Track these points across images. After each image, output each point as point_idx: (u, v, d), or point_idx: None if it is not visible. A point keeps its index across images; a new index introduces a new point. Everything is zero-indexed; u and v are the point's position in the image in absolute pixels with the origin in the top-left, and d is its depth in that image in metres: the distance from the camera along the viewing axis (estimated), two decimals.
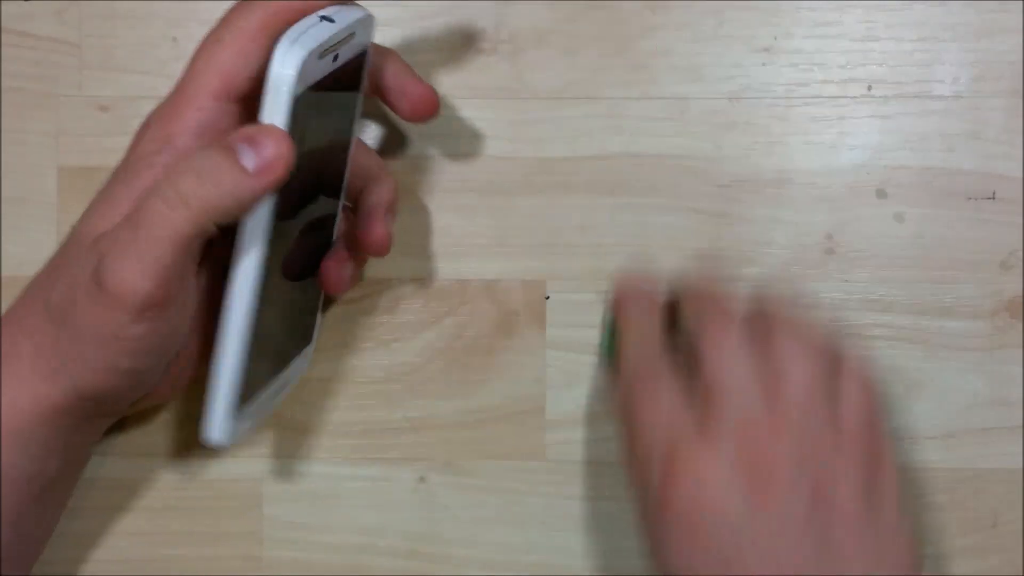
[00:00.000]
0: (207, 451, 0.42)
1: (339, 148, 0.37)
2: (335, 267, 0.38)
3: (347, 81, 0.35)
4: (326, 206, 0.37)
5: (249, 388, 0.35)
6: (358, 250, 0.39)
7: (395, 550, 0.42)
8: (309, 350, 0.40)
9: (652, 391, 0.35)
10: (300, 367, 0.40)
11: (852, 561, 0.33)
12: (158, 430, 0.42)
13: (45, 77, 0.42)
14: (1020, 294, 0.40)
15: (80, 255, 0.33)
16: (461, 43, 0.41)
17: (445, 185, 0.41)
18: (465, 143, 0.40)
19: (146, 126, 0.35)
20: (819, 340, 0.36)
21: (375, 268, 0.41)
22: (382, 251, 0.38)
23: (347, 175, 0.37)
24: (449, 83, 0.41)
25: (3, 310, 0.42)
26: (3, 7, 0.42)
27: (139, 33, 0.42)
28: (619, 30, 0.41)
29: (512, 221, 0.41)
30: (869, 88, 0.41)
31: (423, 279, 0.42)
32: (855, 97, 0.41)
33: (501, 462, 0.42)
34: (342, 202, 0.38)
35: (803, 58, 0.41)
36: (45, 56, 0.42)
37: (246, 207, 0.32)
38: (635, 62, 0.41)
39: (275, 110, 0.32)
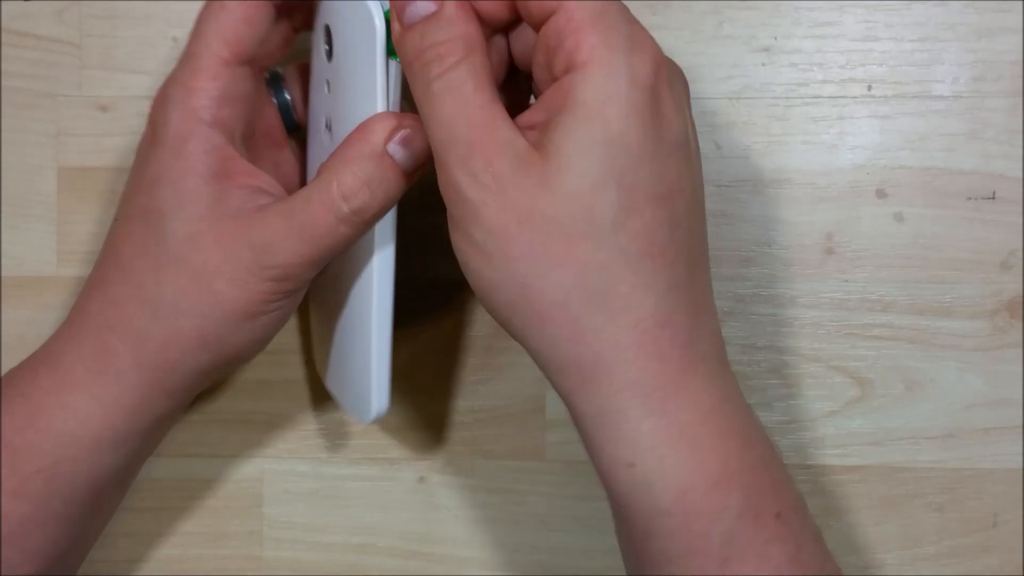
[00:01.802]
0: (207, 451, 0.42)
1: None
2: None
3: None
4: None
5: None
6: None
7: (395, 550, 0.42)
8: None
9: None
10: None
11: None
12: None
13: (45, 77, 0.42)
14: (1020, 294, 0.40)
15: (194, 252, 0.33)
16: None
17: None
18: None
19: (164, 100, 0.34)
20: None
21: None
22: None
23: None
24: None
25: (2, 310, 0.42)
26: (3, 7, 0.42)
27: (139, 33, 0.42)
28: None
29: None
30: (869, 88, 0.41)
31: (423, 279, 0.42)
32: (855, 97, 0.41)
33: (501, 462, 0.42)
34: None
35: (803, 58, 0.41)
36: (45, 56, 0.42)
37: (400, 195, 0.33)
38: None
39: (396, 92, 0.32)
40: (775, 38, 0.41)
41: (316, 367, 0.41)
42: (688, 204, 0.31)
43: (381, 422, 0.42)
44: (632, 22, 0.30)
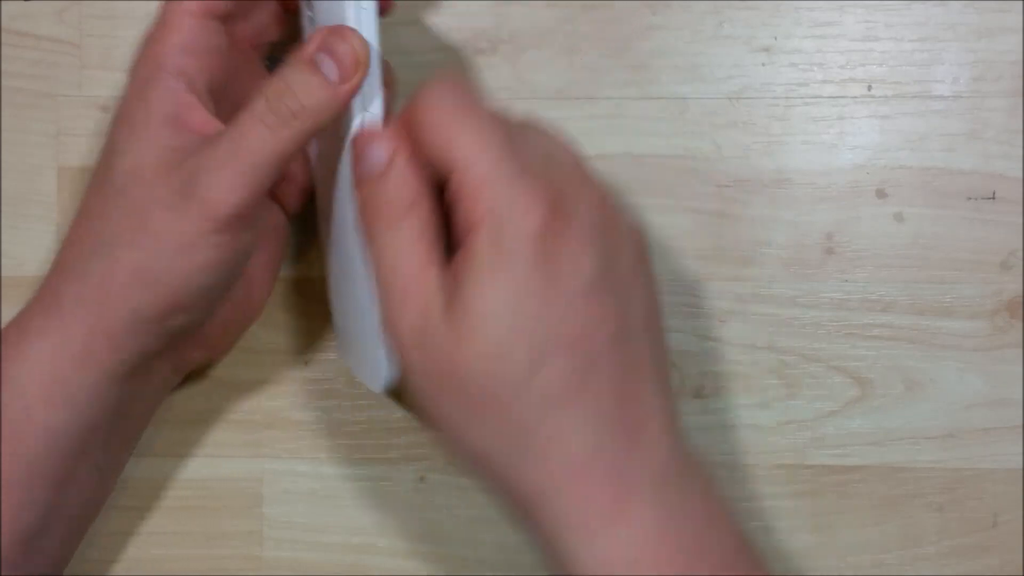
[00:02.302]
0: (207, 451, 0.42)
1: None
2: None
3: None
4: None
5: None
6: None
7: (395, 550, 0.42)
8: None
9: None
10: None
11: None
12: (158, 430, 0.42)
13: (45, 77, 0.42)
14: (1020, 294, 0.40)
15: (136, 184, 0.34)
16: (461, 43, 0.41)
17: None
18: None
19: (136, 54, 0.36)
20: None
21: None
22: None
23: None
24: None
25: (2, 310, 0.42)
26: (3, 7, 0.42)
27: (139, 33, 0.41)
28: (619, 30, 0.41)
29: None
30: (869, 88, 0.41)
31: None
32: (855, 97, 0.41)
33: None
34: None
35: (803, 58, 0.41)
36: (45, 56, 0.42)
37: (334, 116, 0.33)
38: (635, 62, 0.41)
39: (334, 9, 0.33)
40: (775, 38, 0.41)
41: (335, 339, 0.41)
42: (611, 335, 0.31)
43: (381, 421, 0.42)
44: (522, 173, 0.31)
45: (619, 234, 0.33)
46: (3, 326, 0.36)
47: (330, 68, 0.33)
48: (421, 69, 0.41)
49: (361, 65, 0.33)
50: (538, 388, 0.30)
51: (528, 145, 0.32)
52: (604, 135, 0.41)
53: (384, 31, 0.41)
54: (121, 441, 0.38)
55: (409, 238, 0.32)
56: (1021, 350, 0.40)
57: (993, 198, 0.40)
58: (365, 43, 0.33)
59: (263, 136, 0.32)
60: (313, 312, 0.42)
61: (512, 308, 0.30)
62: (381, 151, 0.33)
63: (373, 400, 0.42)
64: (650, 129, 0.41)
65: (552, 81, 0.41)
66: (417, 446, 0.42)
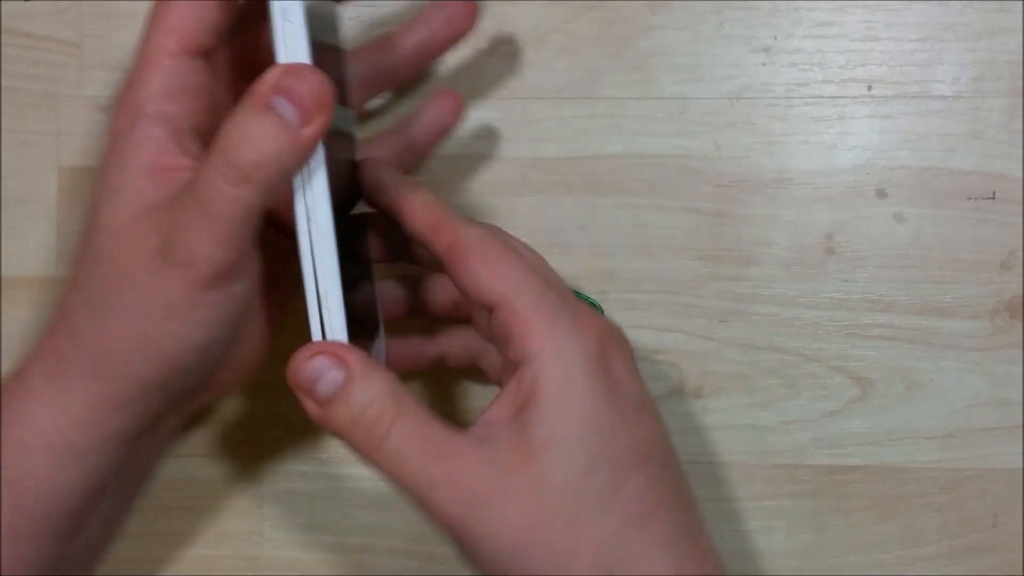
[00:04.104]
0: (207, 451, 0.42)
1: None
2: None
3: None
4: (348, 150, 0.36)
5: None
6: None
7: (395, 550, 0.42)
8: (381, 338, 0.37)
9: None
10: (379, 351, 0.37)
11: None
12: None
13: (45, 77, 0.42)
14: (1020, 294, 0.40)
15: (116, 245, 0.32)
16: (461, 43, 0.41)
17: (445, 185, 0.41)
18: (465, 143, 0.40)
19: (115, 100, 0.33)
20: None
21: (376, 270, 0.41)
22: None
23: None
24: (449, 83, 0.41)
25: (2, 310, 0.42)
26: (3, 7, 0.42)
27: (139, 33, 0.42)
28: (619, 30, 0.41)
29: (512, 221, 0.41)
30: (869, 88, 0.41)
31: None
32: (855, 97, 0.41)
33: None
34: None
35: (803, 58, 0.41)
36: (45, 56, 0.42)
37: (305, 159, 0.31)
38: (635, 62, 0.41)
39: (293, 45, 0.30)
40: (775, 38, 0.41)
41: None
42: (663, 456, 0.33)
43: None
44: (568, 300, 0.32)
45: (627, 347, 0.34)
46: (3, 377, 0.34)
47: (287, 110, 0.30)
48: None
49: (325, 105, 0.30)
50: (622, 505, 0.31)
51: (552, 273, 0.33)
52: (604, 135, 0.41)
53: (381, 31, 0.41)
54: (129, 491, 0.37)
55: (420, 426, 0.31)
56: (1021, 350, 0.40)
57: (993, 198, 0.40)
58: (325, 82, 0.30)
59: (225, 193, 0.30)
60: None
61: (590, 433, 0.31)
62: (335, 367, 0.31)
63: None
64: (650, 129, 0.41)
65: (552, 81, 0.41)
66: None
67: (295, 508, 0.42)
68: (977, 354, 0.41)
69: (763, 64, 0.41)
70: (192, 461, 0.42)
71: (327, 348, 0.31)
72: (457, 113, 0.39)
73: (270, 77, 0.30)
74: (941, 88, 0.41)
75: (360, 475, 0.42)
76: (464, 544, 0.31)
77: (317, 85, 0.30)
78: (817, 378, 0.41)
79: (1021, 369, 0.40)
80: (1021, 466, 0.40)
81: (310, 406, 0.32)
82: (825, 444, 0.41)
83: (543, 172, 0.41)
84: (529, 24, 0.41)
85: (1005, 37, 0.40)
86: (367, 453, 0.31)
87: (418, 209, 0.34)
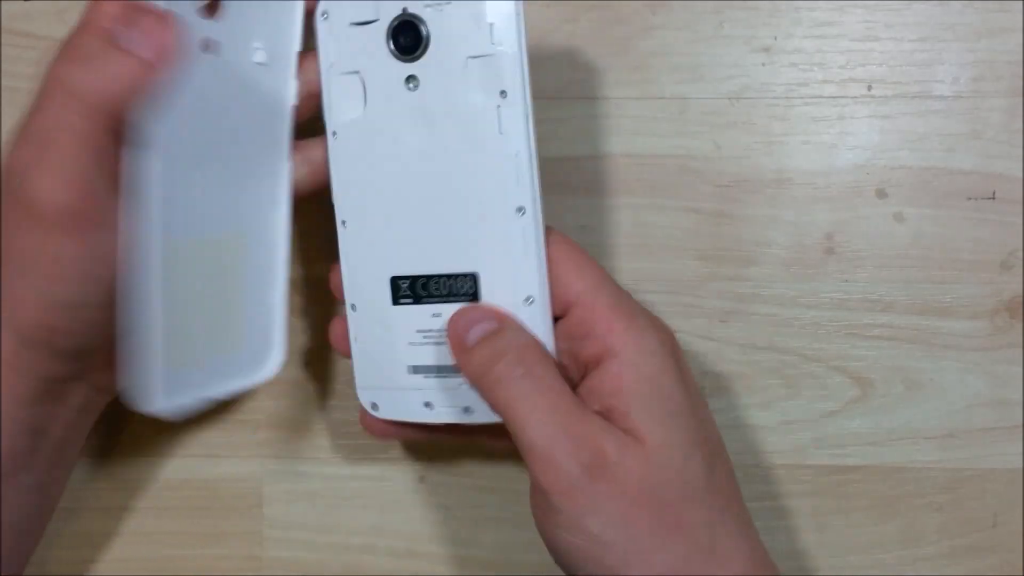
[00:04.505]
0: (207, 451, 0.42)
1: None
2: None
3: None
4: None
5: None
6: None
7: (395, 550, 0.42)
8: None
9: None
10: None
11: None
12: (158, 430, 0.42)
13: None
14: (1020, 294, 0.40)
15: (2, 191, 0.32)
16: None
17: None
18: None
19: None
20: None
21: None
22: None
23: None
24: None
25: None
26: (3, 7, 0.42)
27: None
28: (619, 30, 0.41)
29: None
30: (869, 88, 0.41)
31: None
32: (855, 97, 0.41)
33: (501, 462, 0.42)
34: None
35: (803, 58, 0.41)
36: (45, 56, 0.42)
37: (141, 97, 0.30)
38: (635, 62, 0.41)
39: None
40: (775, 38, 0.41)
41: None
42: (724, 445, 0.35)
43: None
44: (637, 303, 0.34)
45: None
46: None
47: (131, 41, 0.30)
48: None
49: (170, 49, 0.30)
50: (714, 492, 0.32)
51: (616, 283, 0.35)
52: (604, 135, 0.41)
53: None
54: (49, 462, 0.36)
55: (553, 381, 0.32)
56: (1021, 350, 0.40)
57: (993, 198, 0.40)
58: (179, 31, 0.30)
59: (58, 115, 0.30)
60: (313, 312, 0.42)
61: (683, 419, 0.32)
62: (491, 322, 0.33)
63: None
64: (650, 129, 0.41)
65: (552, 81, 0.41)
66: (417, 446, 0.42)
67: (295, 508, 0.42)
68: (977, 354, 0.41)
69: (763, 64, 0.41)
70: (192, 461, 0.42)
71: (490, 310, 0.34)
72: None
73: (113, 6, 0.30)
74: (941, 88, 0.41)
75: (360, 475, 0.42)
76: (568, 506, 0.31)
77: (166, 30, 0.30)
78: (817, 378, 0.41)
79: (1021, 369, 0.40)
80: (1021, 466, 0.40)
81: (456, 350, 0.33)
82: (825, 444, 0.41)
83: (543, 172, 0.41)
84: (529, 24, 0.41)
85: (1005, 37, 0.40)
86: (500, 400, 0.32)
87: None
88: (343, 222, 0.36)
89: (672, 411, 0.32)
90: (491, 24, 0.33)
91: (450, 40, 0.34)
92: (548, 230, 0.34)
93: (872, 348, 0.41)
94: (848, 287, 0.41)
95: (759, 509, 0.41)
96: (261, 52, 0.35)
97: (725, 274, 0.41)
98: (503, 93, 0.34)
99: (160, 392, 0.33)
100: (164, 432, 0.42)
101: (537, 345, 0.33)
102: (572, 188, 0.41)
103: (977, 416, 0.41)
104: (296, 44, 0.36)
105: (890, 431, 0.41)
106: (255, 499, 0.42)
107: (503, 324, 0.33)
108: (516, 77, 0.33)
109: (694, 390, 0.34)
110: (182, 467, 0.42)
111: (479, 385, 0.33)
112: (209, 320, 0.35)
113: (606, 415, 0.32)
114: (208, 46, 0.33)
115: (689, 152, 0.41)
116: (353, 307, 0.36)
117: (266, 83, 0.36)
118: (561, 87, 0.41)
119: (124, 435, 0.42)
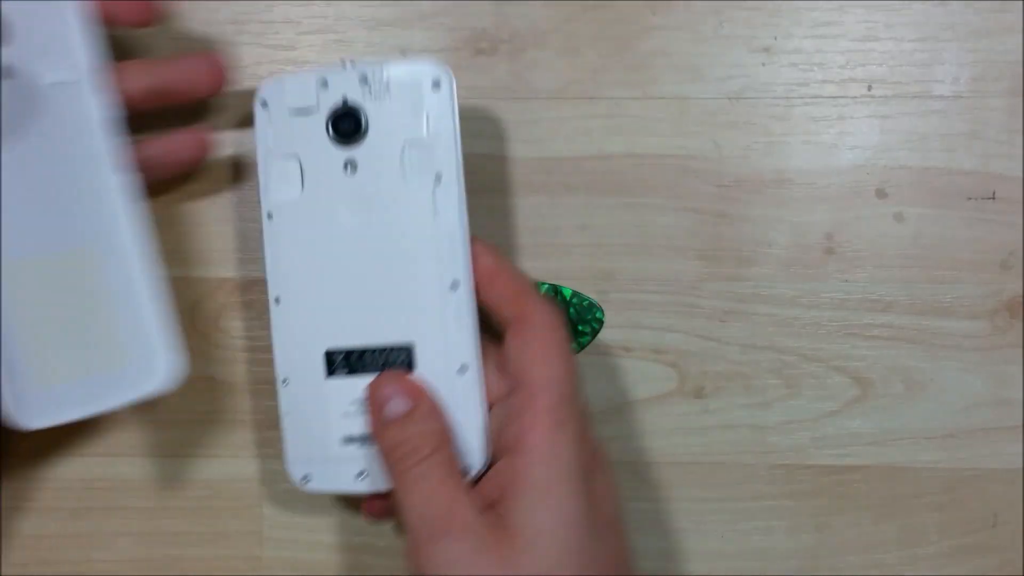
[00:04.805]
0: (207, 451, 0.42)
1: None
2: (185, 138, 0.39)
3: None
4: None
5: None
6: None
7: (395, 550, 0.42)
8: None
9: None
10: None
11: None
12: (158, 430, 0.42)
13: None
14: (1020, 294, 0.40)
15: None
16: (461, 43, 0.41)
17: None
18: (465, 143, 0.40)
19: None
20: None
21: None
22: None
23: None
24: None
25: None
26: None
27: (139, 33, 0.42)
28: (619, 30, 0.41)
29: (512, 221, 0.41)
30: (869, 88, 0.41)
31: None
32: (855, 97, 0.41)
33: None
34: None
35: (803, 58, 0.41)
36: None
37: None
38: (635, 62, 0.41)
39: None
40: (775, 38, 0.41)
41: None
42: (628, 563, 0.35)
43: None
44: (579, 415, 0.34)
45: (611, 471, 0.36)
46: None
47: None
48: None
49: None
50: None
51: (576, 386, 0.35)
52: (604, 135, 0.41)
53: (383, 31, 0.41)
54: None
55: (442, 471, 0.34)
56: (1021, 350, 0.40)
57: (993, 198, 0.40)
58: None
59: None
60: None
61: (563, 531, 0.33)
62: (406, 399, 0.35)
63: None
64: (650, 129, 0.41)
65: (552, 81, 0.41)
66: None
67: (295, 508, 0.42)
68: (977, 354, 0.41)
69: (763, 64, 0.41)
70: (191, 461, 0.42)
71: (409, 383, 0.36)
72: (201, 148, 0.39)
73: None
74: (941, 88, 0.41)
75: None
76: None
77: None
78: (817, 378, 0.41)
79: (1021, 369, 0.40)
80: (1021, 466, 0.40)
81: (373, 420, 0.36)
82: (825, 444, 0.41)
83: (543, 172, 0.41)
84: (529, 24, 0.41)
85: (1005, 37, 0.40)
86: (393, 476, 0.35)
87: (504, 276, 0.36)
88: (276, 299, 0.37)
89: (555, 522, 0.33)
90: (427, 113, 0.36)
91: (388, 127, 0.36)
92: (545, 306, 0.35)
93: (872, 348, 0.41)
94: (848, 287, 0.41)
95: (759, 509, 0.41)
96: (59, 71, 0.36)
97: (725, 274, 0.41)
98: (438, 177, 0.36)
99: (31, 409, 0.35)
100: (164, 432, 0.42)
101: (438, 434, 0.35)
102: (572, 188, 0.41)
103: (977, 416, 0.41)
104: (91, 59, 0.37)
105: (890, 431, 0.41)
106: (255, 499, 0.42)
107: (417, 404, 0.35)
108: (450, 162, 0.36)
109: (599, 510, 0.34)
110: (182, 467, 0.42)
111: (383, 459, 0.35)
112: (75, 336, 0.36)
113: (500, 509, 0.33)
114: (5, 72, 0.35)
115: (689, 152, 0.41)
116: (285, 382, 0.38)
117: (70, 101, 0.37)
118: (561, 87, 0.41)
119: (123, 435, 0.42)
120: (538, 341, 0.35)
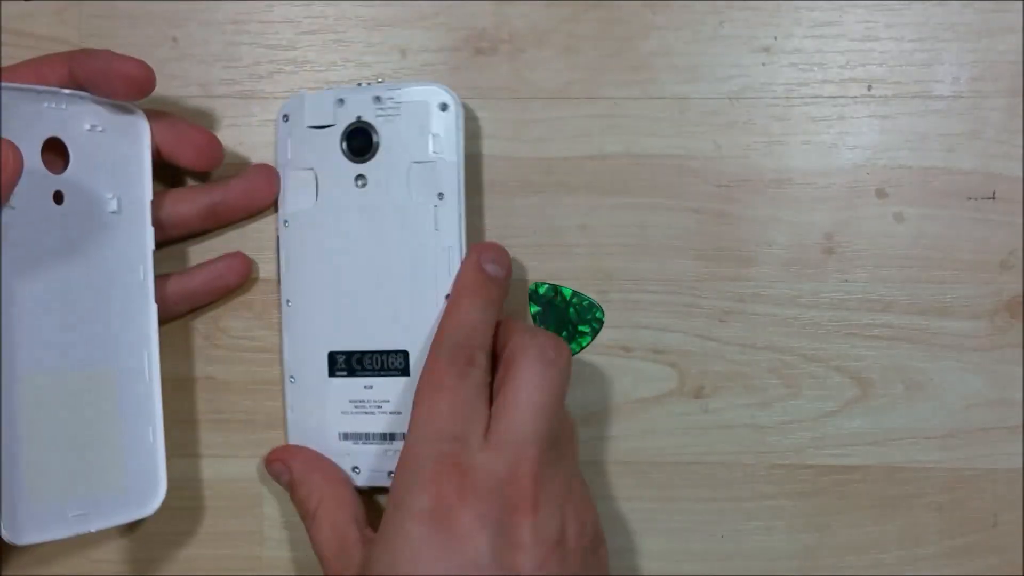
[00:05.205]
0: (207, 451, 0.42)
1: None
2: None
3: None
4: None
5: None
6: None
7: None
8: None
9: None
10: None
11: None
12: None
13: None
14: (1020, 294, 0.40)
15: None
16: (461, 43, 0.41)
17: None
18: (465, 143, 0.40)
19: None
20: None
21: None
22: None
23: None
24: (449, 83, 0.41)
25: None
26: (3, 7, 0.42)
27: (139, 33, 0.42)
28: (619, 30, 0.41)
29: (512, 221, 0.41)
30: (869, 88, 0.41)
31: None
32: (855, 97, 0.41)
33: None
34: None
35: (803, 58, 0.41)
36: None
37: None
38: (635, 62, 0.41)
39: None
40: (775, 38, 0.41)
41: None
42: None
43: None
44: (441, 456, 0.34)
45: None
46: None
47: None
48: (421, 69, 0.41)
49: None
50: None
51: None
52: (604, 135, 0.41)
53: (382, 31, 0.41)
54: None
55: (330, 521, 0.38)
56: (1021, 350, 0.40)
57: (993, 198, 0.40)
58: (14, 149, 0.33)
59: None
60: None
61: (408, 568, 0.33)
62: (285, 470, 0.40)
63: None
64: (650, 129, 0.41)
65: (552, 81, 0.41)
66: None
67: (295, 508, 0.42)
68: (977, 354, 0.41)
69: (763, 64, 0.41)
70: (192, 461, 0.42)
71: (281, 455, 0.40)
72: (242, 273, 0.41)
73: None
74: (941, 88, 0.41)
75: None
76: None
77: None
78: (817, 378, 0.41)
79: (1021, 369, 0.40)
80: (1021, 466, 0.40)
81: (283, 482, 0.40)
82: (825, 444, 0.41)
83: (543, 172, 0.41)
84: (529, 24, 0.41)
85: (1005, 37, 0.40)
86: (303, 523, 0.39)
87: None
88: (287, 301, 0.40)
89: (407, 553, 0.33)
90: (434, 135, 0.38)
91: (397, 146, 0.39)
92: (536, 336, 0.36)
93: (872, 348, 0.41)
94: (848, 287, 0.41)
95: (759, 509, 0.41)
96: (113, 202, 0.38)
97: (725, 274, 0.41)
98: (440, 195, 0.38)
99: (23, 526, 0.35)
100: (165, 432, 0.42)
101: (317, 491, 0.39)
102: (572, 188, 0.41)
103: (977, 416, 0.41)
104: (148, 194, 0.38)
105: (890, 431, 0.41)
106: (255, 499, 0.42)
107: (291, 475, 0.39)
108: (453, 182, 0.38)
109: (460, 551, 0.33)
110: (182, 467, 0.42)
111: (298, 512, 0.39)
112: (79, 454, 0.37)
113: (367, 551, 0.36)
114: (58, 198, 0.36)
115: (689, 152, 0.41)
116: (292, 379, 0.40)
117: (120, 231, 0.38)
118: (561, 87, 0.41)
119: None
120: (513, 370, 0.35)
